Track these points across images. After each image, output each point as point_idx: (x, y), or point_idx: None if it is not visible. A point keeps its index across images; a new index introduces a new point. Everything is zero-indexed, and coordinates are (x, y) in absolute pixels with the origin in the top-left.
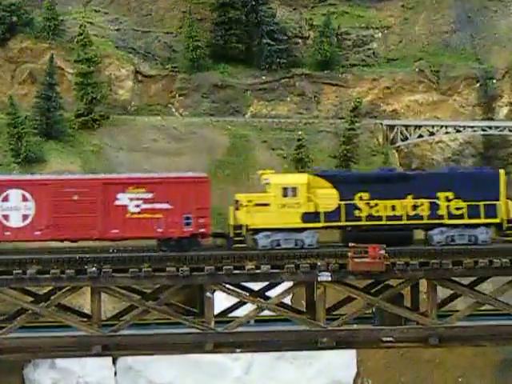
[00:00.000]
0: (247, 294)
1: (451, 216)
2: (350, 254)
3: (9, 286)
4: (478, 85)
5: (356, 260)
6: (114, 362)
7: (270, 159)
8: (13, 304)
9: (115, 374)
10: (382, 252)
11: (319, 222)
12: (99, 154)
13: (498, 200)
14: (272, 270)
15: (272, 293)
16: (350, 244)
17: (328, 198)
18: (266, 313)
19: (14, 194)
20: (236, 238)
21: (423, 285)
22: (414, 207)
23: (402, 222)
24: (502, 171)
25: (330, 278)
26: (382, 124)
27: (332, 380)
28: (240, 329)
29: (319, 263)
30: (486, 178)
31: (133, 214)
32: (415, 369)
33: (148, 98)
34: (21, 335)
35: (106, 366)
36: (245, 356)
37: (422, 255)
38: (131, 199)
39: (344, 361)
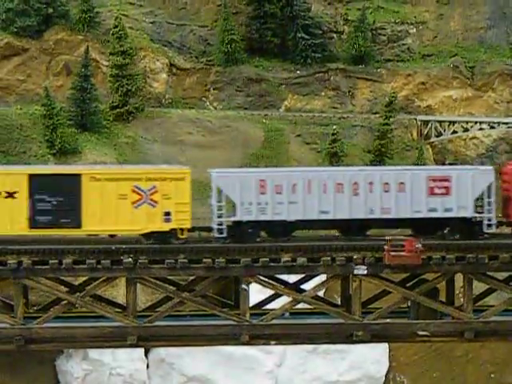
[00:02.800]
0: (282, 287)
1: None
2: (386, 247)
3: (44, 276)
4: None
5: (392, 253)
6: (146, 355)
7: (304, 153)
8: (47, 294)
9: (147, 366)
10: (419, 246)
11: None
12: (134, 146)
13: None
14: (308, 263)
15: (306, 287)
16: (387, 237)
17: None
18: (300, 306)
19: None
20: None
21: (458, 280)
22: None
23: None
24: None
25: (365, 272)
26: (416, 119)
27: (364, 374)
28: (275, 321)
29: (355, 256)
30: None
31: None
32: (448, 364)
33: (182, 91)
34: (56, 325)
35: (139, 359)
36: (277, 349)
37: (458, 249)
38: None
39: (376, 355)
